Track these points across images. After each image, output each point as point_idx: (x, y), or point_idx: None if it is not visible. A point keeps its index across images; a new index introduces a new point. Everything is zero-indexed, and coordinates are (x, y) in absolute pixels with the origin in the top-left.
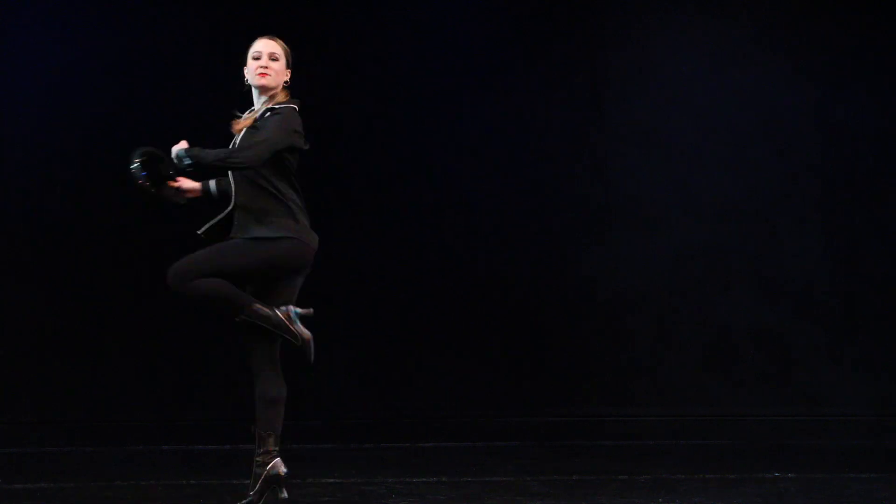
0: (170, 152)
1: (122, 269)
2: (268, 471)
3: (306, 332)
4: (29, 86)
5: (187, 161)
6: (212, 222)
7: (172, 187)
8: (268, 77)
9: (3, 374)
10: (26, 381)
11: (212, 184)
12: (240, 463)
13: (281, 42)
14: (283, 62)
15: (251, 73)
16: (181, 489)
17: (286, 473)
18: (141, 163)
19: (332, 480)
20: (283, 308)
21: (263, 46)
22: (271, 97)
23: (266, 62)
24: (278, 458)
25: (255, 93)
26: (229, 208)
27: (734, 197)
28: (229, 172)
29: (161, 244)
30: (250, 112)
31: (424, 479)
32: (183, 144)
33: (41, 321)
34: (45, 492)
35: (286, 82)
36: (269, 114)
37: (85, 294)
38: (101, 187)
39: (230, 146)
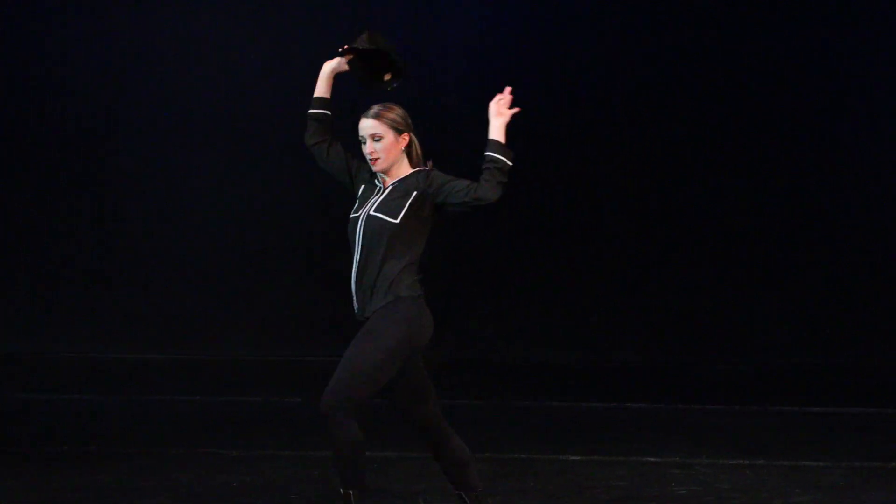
0: None
1: None
2: None
3: None
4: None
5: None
6: None
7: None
8: (378, 162)
9: None
10: None
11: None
12: None
13: (386, 113)
14: (389, 137)
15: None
16: None
17: None
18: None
19: None
20: None
21: (364, 129)
22: (395, 172)
23: (371, 147)
24: None
25: None
26: None
27: None
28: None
29: None
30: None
31: None
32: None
33: None
34: None
35: (406, 148)
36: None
37: None
38: None
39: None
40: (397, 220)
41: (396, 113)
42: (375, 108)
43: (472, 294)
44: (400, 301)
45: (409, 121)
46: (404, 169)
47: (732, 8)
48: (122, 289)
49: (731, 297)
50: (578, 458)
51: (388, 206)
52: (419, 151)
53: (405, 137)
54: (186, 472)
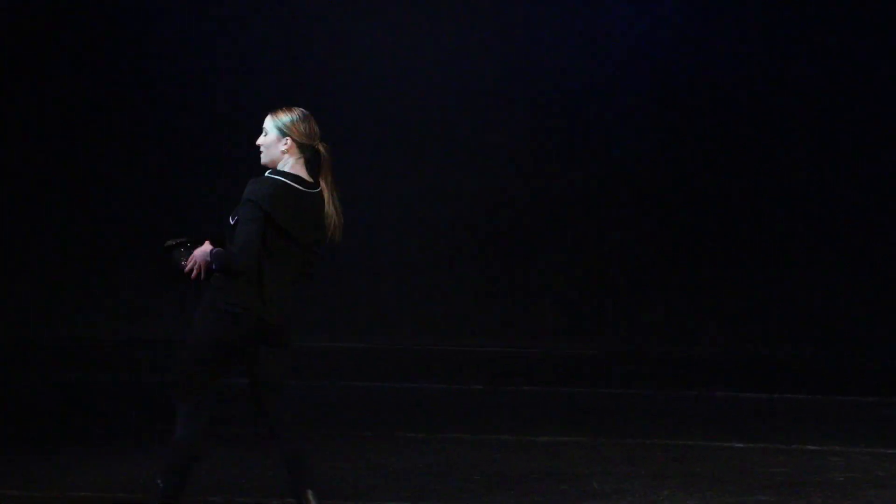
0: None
1: None
2: None
3: None
4: None
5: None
6: None
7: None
8: (261, 155)
9: None
10: None
11: None
12: None
13: (279, 113)
14: (272, 136)
15: None
16: None
17: None
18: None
19: None
20: None
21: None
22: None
23: (259, 140)
24: None
25: None
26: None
27: None
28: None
29: None
30: None
31: None
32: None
33: None
34: None
35: (284, 149)
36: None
37: None
38: None
39: None
40: (232, 223)
41: (288, 117)
42: (278, 109)
43: (644, 290)
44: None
45: (303, 130)
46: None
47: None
48: (318, 281)
49: (875, 293)
50: (741, 445)
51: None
52: (322, 164)
53: (286, 142)
54: (379, 452)
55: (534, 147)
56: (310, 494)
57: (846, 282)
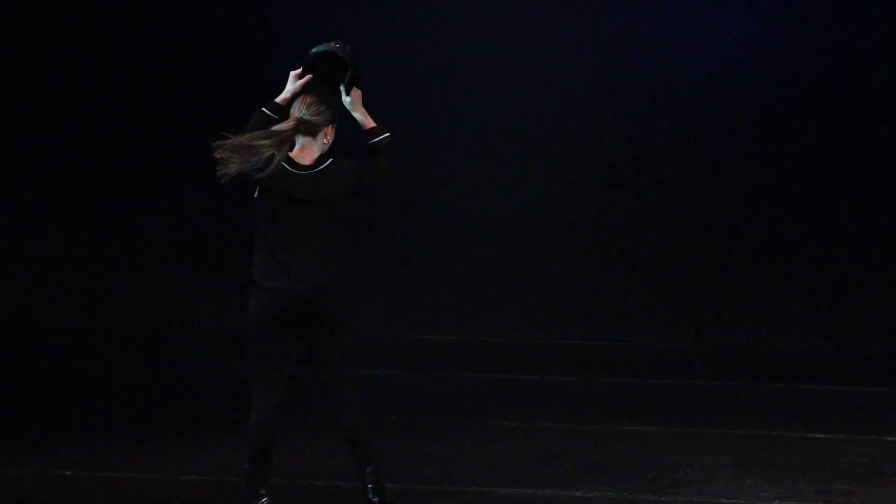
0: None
1: None
2: None
3: None
4: None
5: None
6: None
7: None
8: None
9: None
10: None
11: None
12: None
13: None
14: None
15: None
16: None
17: None
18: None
19: None
20: None
21: None
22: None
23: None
24: None
25: None
26: None
27: None
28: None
29: None
30: None
31: None
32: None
33: None
34: None
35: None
36: None
37: None
38: None
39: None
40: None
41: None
42: None
43: (730, 286)
44: None
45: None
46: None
47: None
48: (419, 274)
49: None
50: (823, 436)
51: None
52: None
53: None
54: (471, 440)
55: (634, 144)
56: (369, 471)
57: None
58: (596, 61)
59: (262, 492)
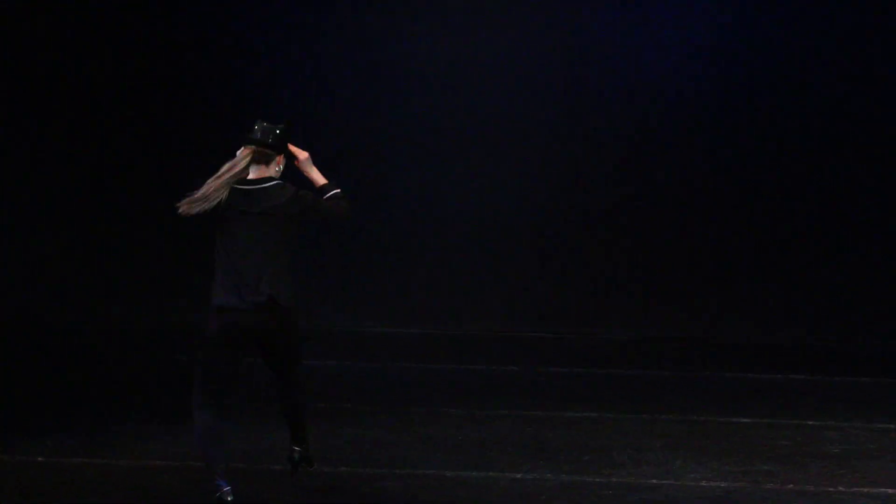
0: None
1: None
2: None
3: None
4: None
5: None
6: None
7: None
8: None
9: None
10: None
11: None
12: None
13: None
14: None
15: None
16: None
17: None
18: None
19: None
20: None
21: None
22: None
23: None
24: None
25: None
26: None
27: None
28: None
29: None
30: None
31: None
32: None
33: None
34: None
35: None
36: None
37: None
38: None
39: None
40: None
41: None
42: None
43: (666, 280)
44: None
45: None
46: None
47: None
48: (383, 271)
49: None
50: (748, 420)
51: None
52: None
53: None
54: (429, 427)
55: (612, 140)
56: (296, 452)
57: (848, 270)
58: (595, 60)
59: (223, 482)
